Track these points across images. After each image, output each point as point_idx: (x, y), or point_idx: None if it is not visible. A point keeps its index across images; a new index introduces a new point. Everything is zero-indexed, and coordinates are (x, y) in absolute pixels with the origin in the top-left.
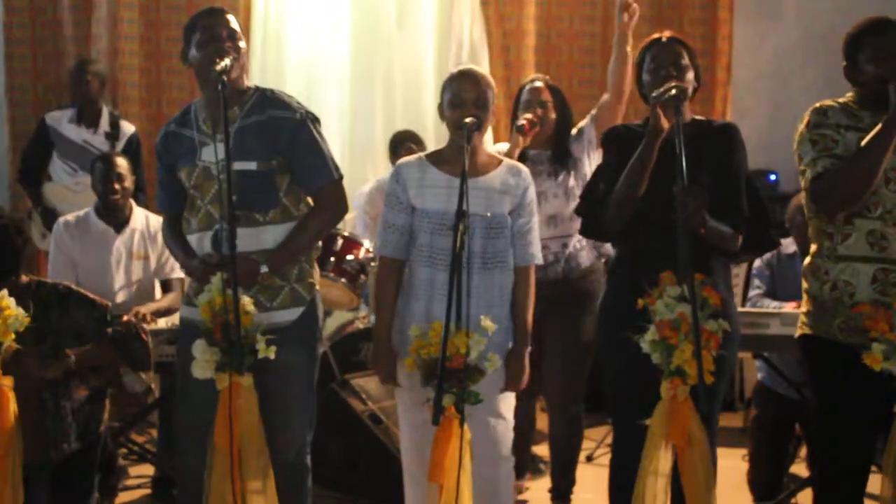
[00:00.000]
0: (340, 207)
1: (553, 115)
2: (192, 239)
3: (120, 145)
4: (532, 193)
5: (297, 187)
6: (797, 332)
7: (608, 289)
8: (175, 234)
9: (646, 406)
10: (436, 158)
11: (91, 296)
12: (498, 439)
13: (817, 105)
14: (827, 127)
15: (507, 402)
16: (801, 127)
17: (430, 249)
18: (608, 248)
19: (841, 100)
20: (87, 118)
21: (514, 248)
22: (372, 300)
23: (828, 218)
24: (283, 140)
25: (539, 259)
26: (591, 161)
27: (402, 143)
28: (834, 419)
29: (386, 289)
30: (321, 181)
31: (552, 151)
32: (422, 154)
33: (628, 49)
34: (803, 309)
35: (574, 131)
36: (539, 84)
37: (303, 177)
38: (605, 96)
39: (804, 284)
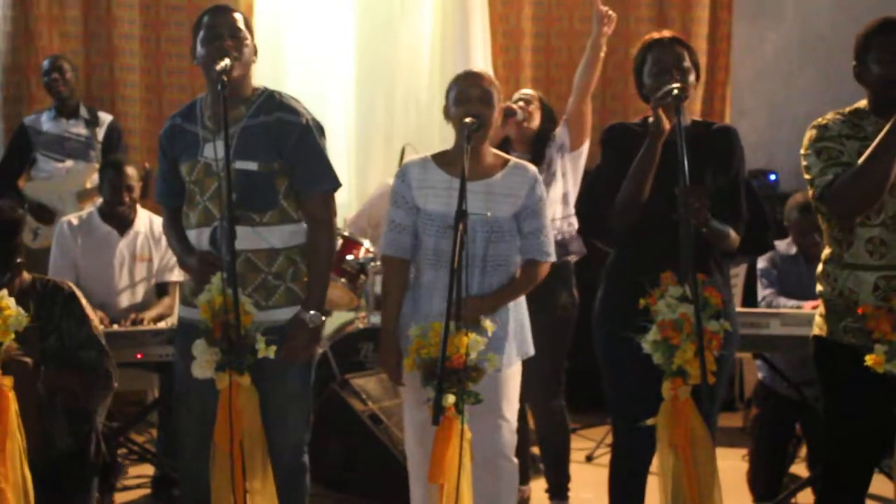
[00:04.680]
0: (334, 216)
1: (538, 120)
2: (192, 234)
3: (101, 132)
4: (539, 192)
5: (292, 192)
6: (812, 333)
7: (607, 288)
8: (175, 228)
9: (647, 407)
10: (440, 159)
11: (88, 311)
12: (501, 441)
13: (818, 120)
14: (829, 139)
15: (510, 404)
16: (805, 142)
17: (435, 252)
18: (576, 246)
19: (843, 111)
20: (66, 112)
21: (524, 247)
22: (371, 299)
23: (838, 224)
24: (288, 143)
25: (551, 257)
26: (562, 162)
27: None
28: (838, 420)
29: (391, 289)
30: (322, 186)
31: (532, 155)
32: (427, 155)
33: (601, 56)
34: (818, 311)
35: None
36: (530, 92)
37: (304, 181)
38: (571, 100)
39: (818, 287)
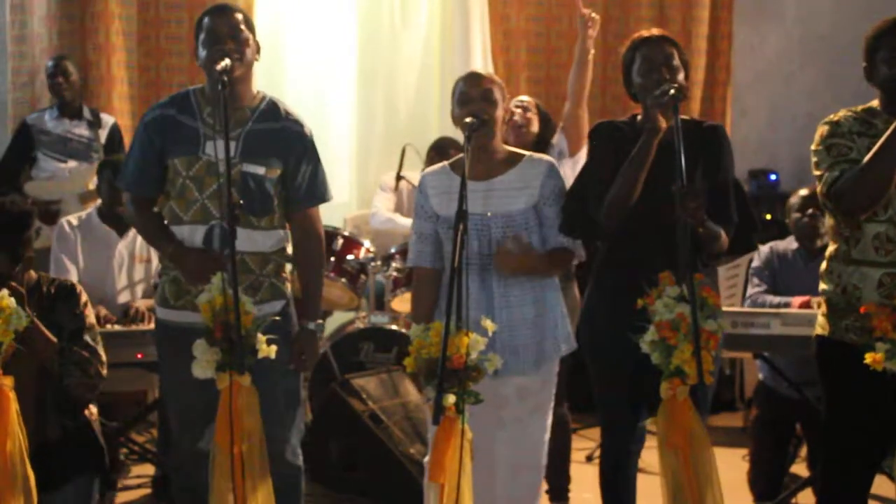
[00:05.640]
0: (321, 228)
1: (535, 126)
2: (182, 230)
3: (104, 134)
4: (555, 181)
5: (284, 200)
6: (814, 332)
7: (595, 289)
8: (153, 218)
9: (638, 407)
10: (455, 163)
11: (86, 308)
12: (531, 448)
13: (830, 117)
14: (840, 136)
15: (545, 409)
16: (816, 138)
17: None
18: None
19: (855, 109)
20: (69, 112)
21: (551, 235)
22: (372, 299)
23: (845, 221)
24: (294, 153)
25: (578, 246)
26: (563, 169)
27: (445, 150)
28: (840, 419)
29: (420, 299)
30: (317, 199)
31: None
32: (446, 162)
33: (590, 58)
34: (821, 310)
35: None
36: (527, 98)
37: (303, 193)
38: (567, 105)
39: (822, 286)
